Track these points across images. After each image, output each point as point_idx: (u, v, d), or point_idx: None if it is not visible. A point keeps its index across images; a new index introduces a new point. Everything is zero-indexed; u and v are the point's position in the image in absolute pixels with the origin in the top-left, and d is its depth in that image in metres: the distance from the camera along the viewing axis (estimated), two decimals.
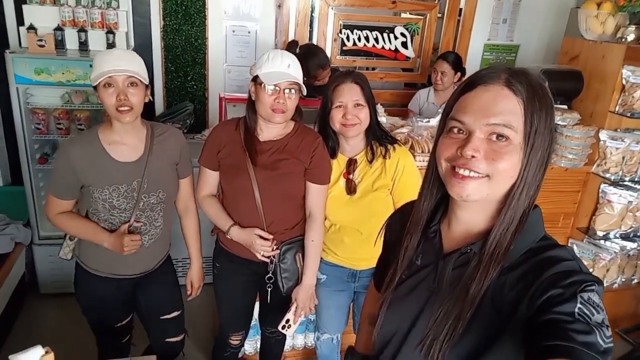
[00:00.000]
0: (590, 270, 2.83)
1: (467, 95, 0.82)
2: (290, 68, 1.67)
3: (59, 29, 2.74)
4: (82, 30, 2.79)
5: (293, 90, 1.69)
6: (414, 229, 0.94)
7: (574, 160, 2.61)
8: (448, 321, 0.80)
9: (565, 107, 2.67)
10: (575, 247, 2.85)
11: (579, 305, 0.69)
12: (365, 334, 1.20)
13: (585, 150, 2.61)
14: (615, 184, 2.69)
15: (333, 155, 1.87)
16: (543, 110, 0.79)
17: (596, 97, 2.64)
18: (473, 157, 0.78)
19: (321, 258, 1.95)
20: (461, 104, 0.82)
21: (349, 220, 1.88)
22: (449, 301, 0.82)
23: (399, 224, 1.01)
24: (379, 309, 0.99)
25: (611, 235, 2.78)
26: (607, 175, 2.66)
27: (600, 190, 2.74)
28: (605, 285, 2.88)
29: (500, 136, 0.78)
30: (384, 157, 1.83)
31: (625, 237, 2.80)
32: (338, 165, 1.88)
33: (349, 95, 1.76)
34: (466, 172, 0.79)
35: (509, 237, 0.80)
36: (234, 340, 2.08)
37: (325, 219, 1.92)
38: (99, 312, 1.88)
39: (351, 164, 1.86)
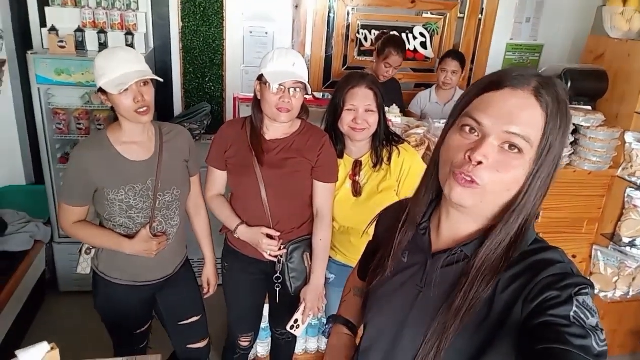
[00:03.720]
0: (616, 278, 2.73)
1: (491, 95, 0.76)
2: (295, 66, 1.66)
3: (79, 30, 2.79)
4: (102, 31, 2.83)
5: (298, 90, 1.67)
6: (411, 223, 0.91)
7: (598, 163, 2.51)
8: (435, 341, 0.79)
9: (589, 107, 2.58)
10: (599, 254, 2.75)
11: (574, 308, 0.69)
12: (351, 303, 1.19)
13: (609, 153, 2.51)
14: None
15: (340, 155, 1.86)
16: (562, 128, 0.75)
17: (622, 97, 2.54)
18: (480, 163, 0.73)
19: (330, 257, 1.93)
20: (483, 102, 0.76)
21: (355, 222, 1.86)
22: (438, 317, 0.80)
23: (391, 217, 0.98)
24: (365, 303, 0.98)
25: (637, 242, 2.65)
26: (633, 179, 2.54)
27: (626, 195, 2.62)
28: (631, 294, 2.77)
29: (513, 146, 0.73)
30: (388, 160, 1.83)
31: None
32: (344, 166, 1.87)
33: (362, 100, 1.75)
34: (468, 177, 0.75)
35: (502, 251, 0.78)
36: (244, 342, 2.07)
37: (334, 219, 1.90)
38: (119, 320, 1.89)
39: (357, 165, 1.85)
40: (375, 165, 1.83)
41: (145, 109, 1.61)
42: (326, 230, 1.82)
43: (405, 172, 1.82)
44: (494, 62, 3.73)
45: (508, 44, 3.73)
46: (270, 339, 2.32)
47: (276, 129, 1.75)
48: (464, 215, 0.83)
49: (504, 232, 0.78)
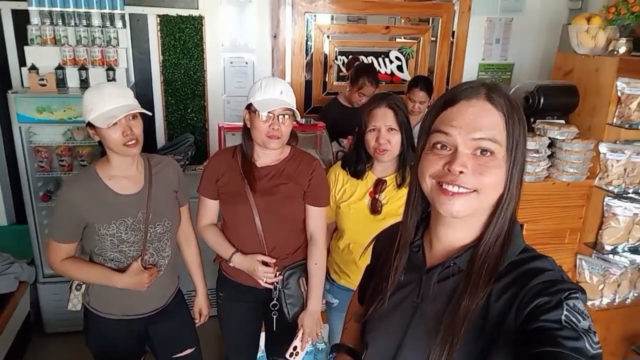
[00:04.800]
0: (601, 286, 2.79)
1: (450, 110, 0.82)
2: (283, 94, 1.69)
3: (60, 67, 2.80)
4: (82, 68, 2.85)
5: (287, 116, 1.70)
6: (404, 248, 0.93)
7: (575, 175, 2.60)
8: (445, 344, 0.80)
9: (562, 121, 2.68)
10: (584, 263, 2.81)
11: (565, 312, 0.71)
12: (352, 330, 1.19)
13: (586, 164, 2.60)
14: (619, 196, 2.66)
15: (359, 175, 1.88)
16: (521, 124, 0.81)
17: (593, 110, 2.64)
18: (461, 172, 0.78)
19: (334, 281, 1.94)
20: (445, 117, 0.82)
21: (366, 240, 1.87)
22: (444, 321, 0.81)
23: (387, 241, 1.01)
24: (365, 326, 0.99)
25: (619, 249, 2.73)
26: (610, 188, 2.63)
27: (604, 203, 2.71)
28: (617, 301, 2.84)
29: (484, 151, 0.79)
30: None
31: (633, 250, 2.75)
32: (365, 184, 1.88)
33: (382, 119, 1.77)
34: (455, 189, 0.79)
35: (497, 250, 0.82)
36: None
37: (341, 237, 1.91)
38: (112, 356, 1.85)
39: (379, 184, 1.86)
40: (399, 186, 1.84)
41: (133, 141, 1.62)
42: (321, 254, 1.83)
43: None
44: None
45: (480, 64, 3.87)
46: None
47: (267, 155, 1.78)
48: (455, 229, 0.86)
49: (497, 228, 0.82)
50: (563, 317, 0.70)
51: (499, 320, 0.77)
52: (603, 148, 2.60)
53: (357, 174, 1.88)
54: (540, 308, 0.72)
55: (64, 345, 2.89)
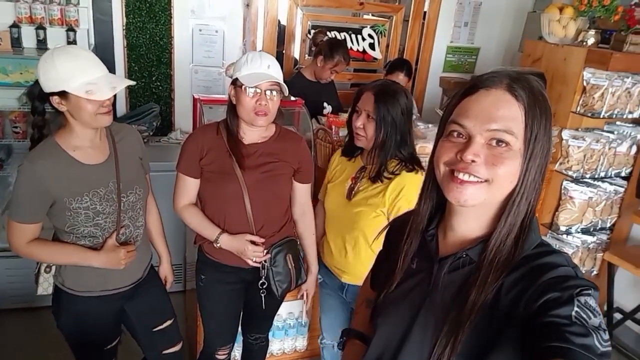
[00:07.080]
0: None
1: (468, 99, 0.81)
2: (270, 69, 1.63)
3: (15, 25, 2.58)
4: (40, 27, 2.64)
5: (274, 92, 1.65)
6: (414, 234, 0.94)
7: None
8: (450, 336, 0.80)
9: None
10: None
11: (575, 308, 0.70)
12: (363, 315, 1.19)
13: None
14: (576, 181, 2.82)
15: (347, 152, 1.88)
16: (543, 117, 0.79)
17: (558, 97, 2.76)
18: (473, 161, 0.78)
19: (320, 260, 1.99)
20: (462, 107, 0.81)
21: (337, 223, 1.89)
22: (450, 312, 0.82)
23: (401, 225, 1.00)
24: (375, 311, 0.99)
25: (573, 230, 2.90)
26: (570, 173, 2.77)
27: (562, 187, 2.86)
28: None
29: (500, 142, 0.77)
30: (384, 178, 1.73)
31: (585, 231, 2.94)
32: (352, 168, 1.86)
33: (363, 104, 1.71)
34: (465, 177, 0.79)
35: (510, 244, 0.81)
36: (221, 355, 2.00)
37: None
38: (89, 337, 1.76)
39: (362, 170, 1.82)
40: (372, 180, 1.75)
41: (108, 110, 1.53)
42: (313, 224, 1.93)
43: (400, 198, 1.71)
44: (436, 63, 3.91)
45: (448, 46, 3.93)
46: (236, 345, 2.27)
47: (253, 133, 1.73)
48: (467, 219, 0.86)
49: (509, 221, 0.81)
50: (573, 313, 0.69)
51: (508, 313, 0.77)
52: (566, 134, 2.73)
53: (346, 151, 1.88)
54: (551, 303, 0.72)
55: (15, 321, 2.72)
